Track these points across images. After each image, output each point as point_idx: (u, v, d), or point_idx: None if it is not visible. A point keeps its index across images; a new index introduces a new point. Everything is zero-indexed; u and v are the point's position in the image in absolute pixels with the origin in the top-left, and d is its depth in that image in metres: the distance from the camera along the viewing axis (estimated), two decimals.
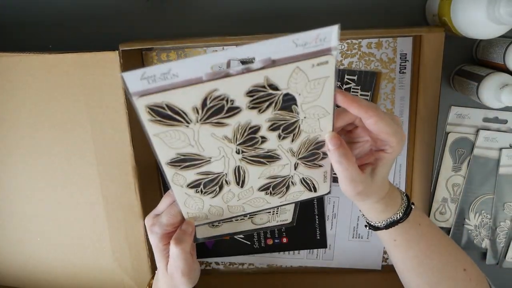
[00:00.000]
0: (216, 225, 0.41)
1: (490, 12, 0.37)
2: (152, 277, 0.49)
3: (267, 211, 0.41)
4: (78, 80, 0.44)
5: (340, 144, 0.33)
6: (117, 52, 0.43)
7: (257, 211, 0.39)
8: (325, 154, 0.35)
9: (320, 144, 0.34)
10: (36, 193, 0.49)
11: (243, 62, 0.32)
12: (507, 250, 0.54)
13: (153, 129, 0.29)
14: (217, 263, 0.57)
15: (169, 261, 0.38)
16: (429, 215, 0.53)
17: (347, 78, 0.49)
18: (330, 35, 0.26)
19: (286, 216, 0.43)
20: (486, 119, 0.51)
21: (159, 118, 0.28)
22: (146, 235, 0.48)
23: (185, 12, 0.50)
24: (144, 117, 0.28)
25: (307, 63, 0.27)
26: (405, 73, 0.48)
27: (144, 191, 0.48)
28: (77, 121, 0.46)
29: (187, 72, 0.26)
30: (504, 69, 0.44)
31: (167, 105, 0.27)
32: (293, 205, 0.41)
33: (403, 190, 0.52)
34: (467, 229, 0.54)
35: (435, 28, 0.44)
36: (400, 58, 0.48)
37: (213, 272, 0.57)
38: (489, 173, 0.52)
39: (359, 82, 0.49)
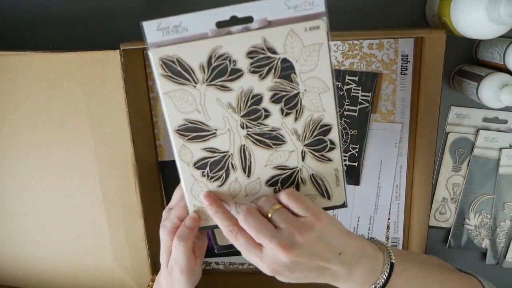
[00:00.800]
0: None
1: (490, 12, 0.37)
2: (155, 275, 0.49)
3: None
4: (78, 79, 0.44)
5: (212, 201, 0.34)
6: (118, 51, 0.43)
7: None
8: (333, 143, 0.35)
9: (326, 129, 0.34)
10: (36, 192, 0.49)
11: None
12: (507, 250, 0.54)
13: (164, 86, 0.32)
14: (217, 263, 0.57)
15: (171, 256, 0.37)
16: (429, 215, 0.53)
17: (348, 79, 0.49)
18: (318, 0, 0.30)
19: None
20: (486, 119, 0.51)
21: (170, 74, 0.31)
22: (146, 234, 0.48)
23: (185, 11, 0.50)
24: (158, 71, 0.31)
25: (300, 26, 0.31)
26: (406, 74, 0.49)
27: (145, 191, 0.48)
28: (78, 120, 0.46)
29: (195, 26, 0.31)
30: (504, 69, 0.44)
31: (177, 60, 0.31)
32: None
33: (404, 192, 0.52)
34: (467, 229, 0.54)
35: (436, 29, 0.45)
36: (402, 59, 0.48)
37: (213, 272, 0.57)
38: (489, 173, 0.52)
39: (360, 83, 0.49)
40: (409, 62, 0.48)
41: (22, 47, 0.51)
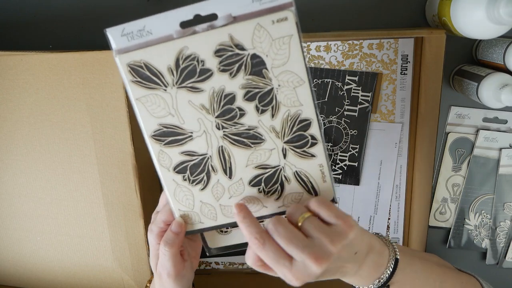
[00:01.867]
0: (225, 231, 0.39)
1: (490, 13, 0.37)
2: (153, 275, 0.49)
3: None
4: (78, 79, 0.44)
5: (244, 214, 0.33)
6: None
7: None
8: (314, 138, 0.33)
9: (305, 124, 0.33)
10: (36, 192, 0.49)
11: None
12: (507, 250, 0.54)
13: (135, 92, 0.31)
14: (217, 263, 0.57)
15: (159, 260, 0.37)
16: (429, 215, 0.53)
17: (348, 79, 0.49)
18: None
19: None
20: (486, 119, 0.51)
21: (139, 79, 0.31)
22: (146, 234, 0.48)
23: None
24: (127, 77, 0.31)
25: (267, 19, 0.29)
26: (406, 74, 0.49)
27: (145, 191, 0.48)
28: (78, 120, 0.46)
29: (159, 29, 0.30)
30: (504, 69, 0.44)
31: (145, 64, 0.31)
32: None
33: (404, 192, 0.52)
34: (467, 229, 0.54)
35: (436, 30, 0.45)
36: (402, 59, 0.48)
37: (213, 272, 0.57)
38: (489, 173, 0.52)
39: (360, 83, 0.49)
40: (409, 62, 0.48)
41: (22, 47, 0.51)
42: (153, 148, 0.33)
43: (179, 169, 0.34)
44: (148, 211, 0.48)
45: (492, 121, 0.51)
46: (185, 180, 0.35)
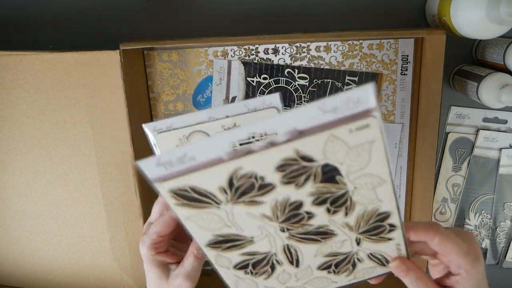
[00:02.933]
0: None
1: (490, 12, 0.37)
2: None
3: None
4: (78, 79, 0.44)
5: (407, 268, 0.31)
6: (117, 51, 0.43)
7: None
8: (392, 226, 0.29)
9: (383, 216, 0.29)
10: (36, 192, 0.49)
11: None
12: (507, 250, 0.54)
13: (182, 213, 0.27)
14: None
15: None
16: (431, 216, 0.53)
17: (348, 79, 0.49)
18: (365, 96, 0.22)
19: None
20: (486, 119, 0.51)
21: (186, 202, 0.26)
22: None
23: (185, 12, 0.50)
24: (171, 202, 0.26)
25: (343, 129, 0.23)
26: (406, 74, 0.49)
27: (144, 191, 0.48)
28: (78, 120, 0.46)
29: (205, 153, 0.24)
30: (504, 69, 0.44)
31: (191, 188, 0.25)
32: None
33: (404, 193, 0.52)
34: (467, 229, 0.54)
35: (436, 29, 0.45)
36: (402, 60, 0.48)
37: (213, 272, 0.57)
38: (489, 173, 0.52)
39: (360, 83, 0.49)
40: (409, 62, 0.48)
41: (22, 47, 0.51)
42: (210, 254, 0.30)
43: (240, 266, 0.31)
44: (148, 211, 0.48)
45: (492, 121, 0.51)
46: (247, 273, 0.32)
